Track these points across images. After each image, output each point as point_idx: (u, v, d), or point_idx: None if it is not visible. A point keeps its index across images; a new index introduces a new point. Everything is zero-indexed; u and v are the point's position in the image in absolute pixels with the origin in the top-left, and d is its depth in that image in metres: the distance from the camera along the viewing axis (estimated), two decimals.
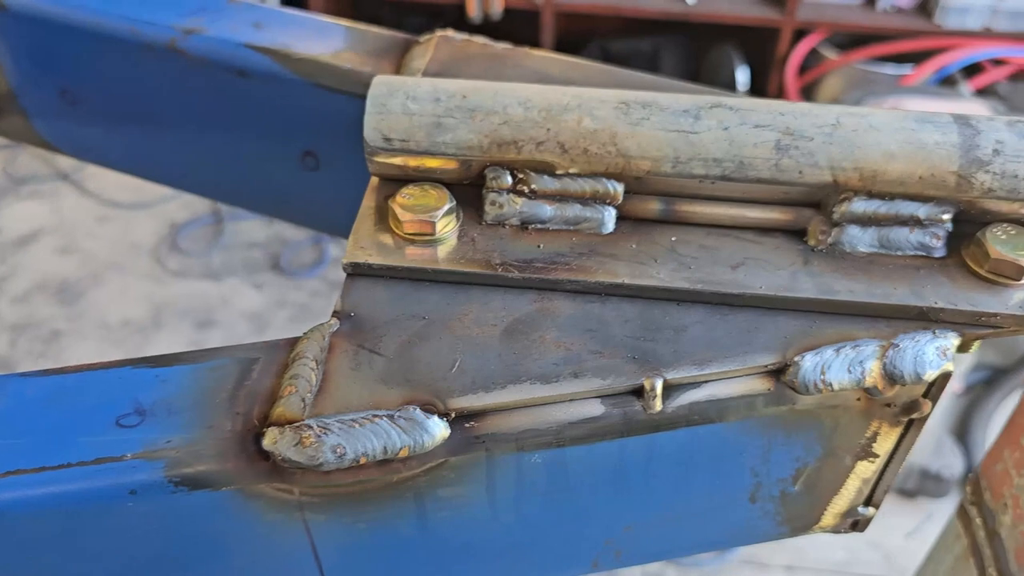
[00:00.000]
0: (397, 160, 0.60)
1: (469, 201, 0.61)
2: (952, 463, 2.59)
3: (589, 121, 0.57)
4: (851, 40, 3.18)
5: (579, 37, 3.64)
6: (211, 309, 3.22)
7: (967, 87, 2.63)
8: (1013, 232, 0.57)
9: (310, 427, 0.49)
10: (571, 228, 0.60)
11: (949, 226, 0.58)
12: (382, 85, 0.59)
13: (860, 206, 0.58)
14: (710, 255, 0.58)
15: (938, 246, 0.58)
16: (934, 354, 0.55)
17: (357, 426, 0.50)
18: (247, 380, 0.53)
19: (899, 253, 0.59)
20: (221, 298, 3.27)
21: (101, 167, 0.98)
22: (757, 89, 3.38)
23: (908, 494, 2.75)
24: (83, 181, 3.68)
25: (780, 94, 3.24)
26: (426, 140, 0.58)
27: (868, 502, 0.66)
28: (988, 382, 2.81)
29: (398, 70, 0.76)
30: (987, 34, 3.02)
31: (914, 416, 0.57)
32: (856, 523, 0.68)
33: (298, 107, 0.81)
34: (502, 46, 0.78)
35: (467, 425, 0.51)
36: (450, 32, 0.80)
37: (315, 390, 0.51)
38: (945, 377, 0.55)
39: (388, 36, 0.82)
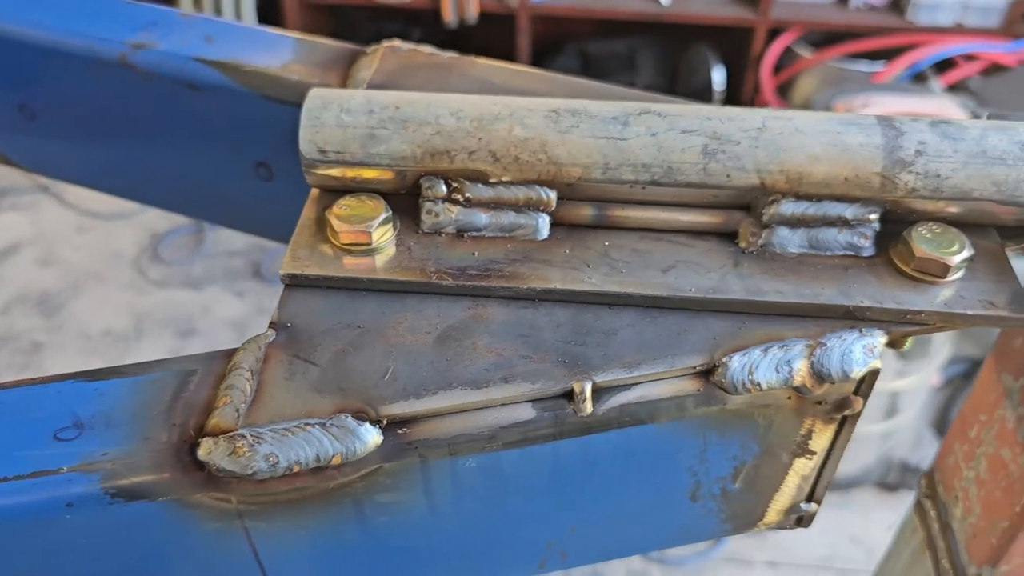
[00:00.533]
0: (334, 172, 0.60)
1: (407, 210, 0.62)
2: (932, 456, 2.60)
3: (520, 130, 0.58)
4: (825, 38, 3.20)
5: (556, 40, 3.65)
6: (192, 318, 3.22)
7: (938, 83, 2.65)
8: (938, 231, 0.59)
9: (243, 437, 0.50)
10: (506, 235, 0.61)
11: (876, 226, 0.60)
12: (317, 98, 0.60)
13: (788, 208, 0.59)
14: (642, 259, 0.59)
15: (866, 245, 0.60)
16: (861, 352, 0.56)
17: (290, 435, 0.50)
18: (184, 392, 0.54)
19: (828, 253, 0.60)
20: (202, 307, 3.27)
21: (60, 181, 0.99)
22: (733, 88, 3.40)
23: (889, 488, 2.76)
24: (63, 192, 3.67)
25: (756, 93, 3.26)
26: (360, 151, 0.59)
27: (810, 498, 0.67)
28: (967, 375, 2.83)
29: (345, 81, 0.77)
30: (959, 30, 3.05)
31: (847, 413, 0.59)
32: (800, 519, 0.69)
33: (249, 119, 0.82)
34: (448, 55, 0.79)
35: (399, 431, 0.52)
36: (396, 42, 0.81)
37: (249, 400, 0.52)
38: (873, 374, 0.57)
39: (336, 47, 0.83)
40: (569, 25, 3.65)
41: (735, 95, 3.41)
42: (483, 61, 0.78)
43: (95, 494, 0.50)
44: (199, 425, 0.52)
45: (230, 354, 0.56)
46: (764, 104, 3.20)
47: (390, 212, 0.60)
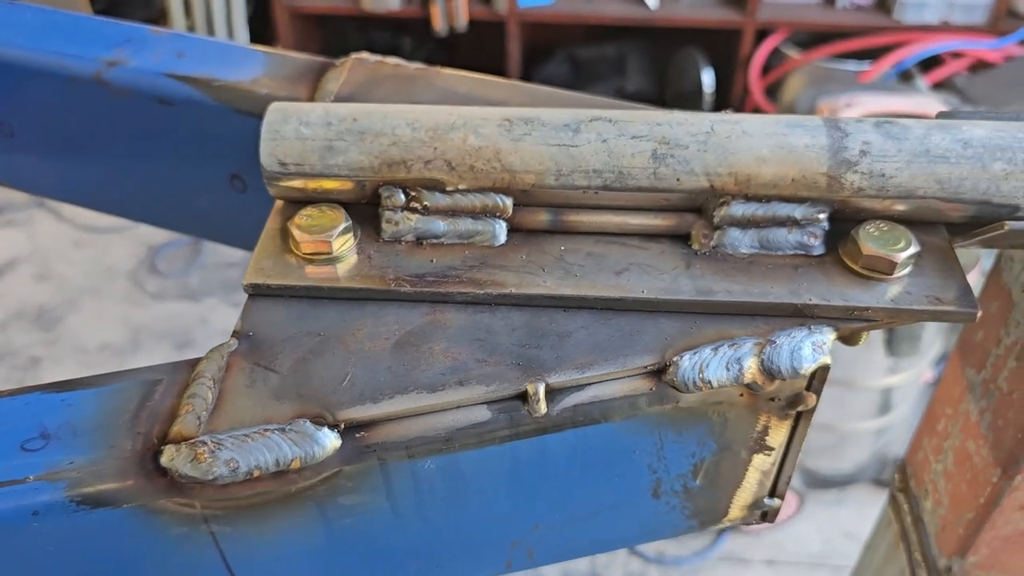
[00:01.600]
0: (295, 183, 0.62)
1: (368, 219, 0.63)
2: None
3: (474, 139, 0.60)
4: (813, 38, 3.22)
5: (545, 46, 3.67)
6: (190, 329, 3.24)
7: (923, 81, 2.67)
8: (886, 228, 0.60)
9: (204, 443, 0.52)
10: (464, 242, 0.62)
11: (826, 225, 0.61)
12: (276, 112, 0.62)
13: (738, 209, 0.60)
14: (596, 262, 0.60)
15: (816, 245, 0.61)
16: (810, 349, 0.57)
17: (249, 440, 0.52)
18: (150, 401, 0.56)
19: (779, 253, 0.61)
20: (200, 318, 3.29)
21: (39, 197, 1.00)
22: (723, 90, 3.41)
23: (884, 484, 2.77)
24: (59, 207, 3.70)
25: (745, 95, 3.28)
26: (319, 163, 0.61)
27: (772, 493, 0.68)
28: None
29: (313, 93, 0.79)
30: (945, 28, 3.06)
31: (800, 409, 0.60)
32: (765, 514, 0.70)
33: (221, 132, 0.83)
34: (414, 66, 0.81)
35: (358, 435, 0.53)
36: (364, 55, 0.83)
37: (211, 408, 0.54)
38: (824, 370, 0.58)
39: (306, 60, 0.84)
40: (558, 31, 3.67)
41: (724, 97, 3.43)
42: (447, 71, 0.79)
43: (60, 502, 0.51)
44: (162, 433, 0.53)
45: (194, 363, 0.57)
46: (754, 105, 3.21)
47: (350, 222, 0.62)
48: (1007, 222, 0.58)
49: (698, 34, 3.40)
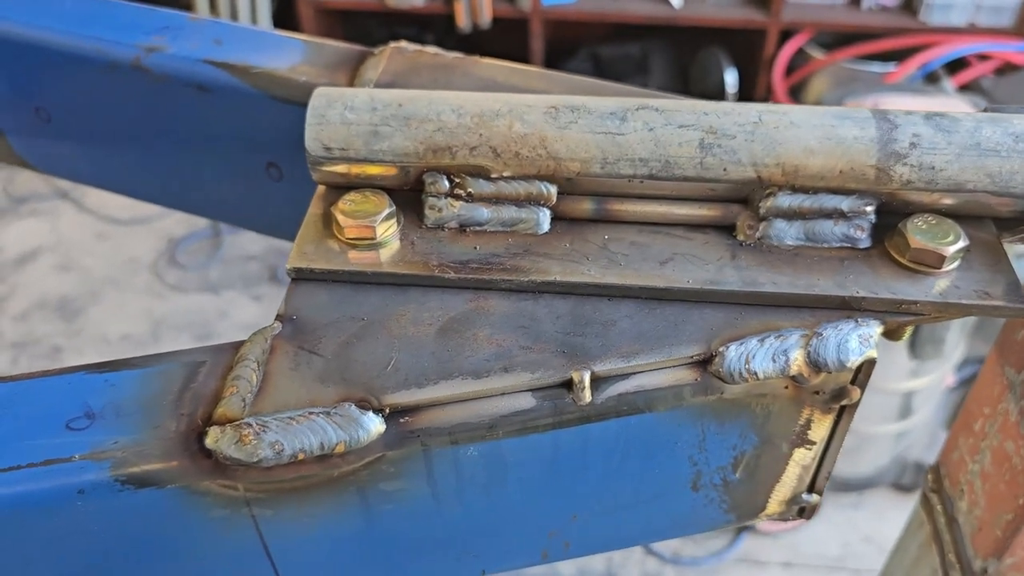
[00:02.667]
0: (339, 168, 0.62)
1: (411, 206, 0.63)
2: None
3: (519, 126, 0.59)
4: (837, 39, 3.20)
5: (568, 44, 3.67)
6: (209, 322, 3.25)
7: (949, 83, 2.64)
8: (934, 222, 0.59)
9: (249, 425, 0.52)
10: (508, 229, 0.62)
11: (872, 218, 0.60)
12: (321, 97, 0.62)
13: (785, 200, 0.60)
14: (640, 252, 0.60)
15: (862, 237, 0.60)
16: (857, 342, 0.56)
17: (294, 423, 0.52)
18: (193, 383, 0.56)
19: (825, 245, 0.61)
20: (219, 311, 3.30)
21: (76, 183, 1.01)
22: (746, 91, 3.40)
23: (904, 488, 2.75)
24: (82, 199, 3.72)
25: (768, 95, 3.26)
26: (364, 148, 0.60)
27: (811, 489, 0.67)
28: None
29: (352, 81, 0.79)
30: (971, 30, 3.04)
31: (844, 403, 0.59)
32: (803, 510, 0.70)
33: (259, 120, 0.83)
34: (453, 55, 0.81)
35: (402, 420, 0.53)
36: (403, 43, 0.82)
37: (255, 390, 0.54)
38: (870, 363, 0.57)
39: (344, 48, 0.84)
40: (581, 29, 3.66)
41: (747, 97, 3.41)
42: (486, 60, 0.79)
43: (106, 481, 0.51)
44: (207, 414, 0.53)
45: (238, 346, 0.57)
46: None
47: (394, 207, 0.61)
48: None
49: (722, 34, 3.39)
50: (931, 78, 2.68)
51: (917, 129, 0.59)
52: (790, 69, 3.19)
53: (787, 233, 0.60)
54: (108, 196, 3.65)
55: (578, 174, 0.60)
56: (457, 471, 0.56)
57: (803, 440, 0.62)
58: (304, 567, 0.61)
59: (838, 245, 0.61)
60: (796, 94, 3.15)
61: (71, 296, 3.33)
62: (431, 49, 0.82)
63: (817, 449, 0.63)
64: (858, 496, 2.76)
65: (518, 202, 0.61)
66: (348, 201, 0.61)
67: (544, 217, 0.62)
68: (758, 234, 0.61)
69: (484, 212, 0.61)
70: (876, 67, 2.89)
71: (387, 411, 0.53)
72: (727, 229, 0.62)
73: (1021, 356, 0.77)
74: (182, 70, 0.83)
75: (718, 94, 3.38)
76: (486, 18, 3.27)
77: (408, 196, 0.63)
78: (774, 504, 0.68)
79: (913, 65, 2.64)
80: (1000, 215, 0.61)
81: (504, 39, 3.51)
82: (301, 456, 0.52)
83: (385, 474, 0.55)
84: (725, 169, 0.59)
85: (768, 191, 0.60)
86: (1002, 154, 0.58)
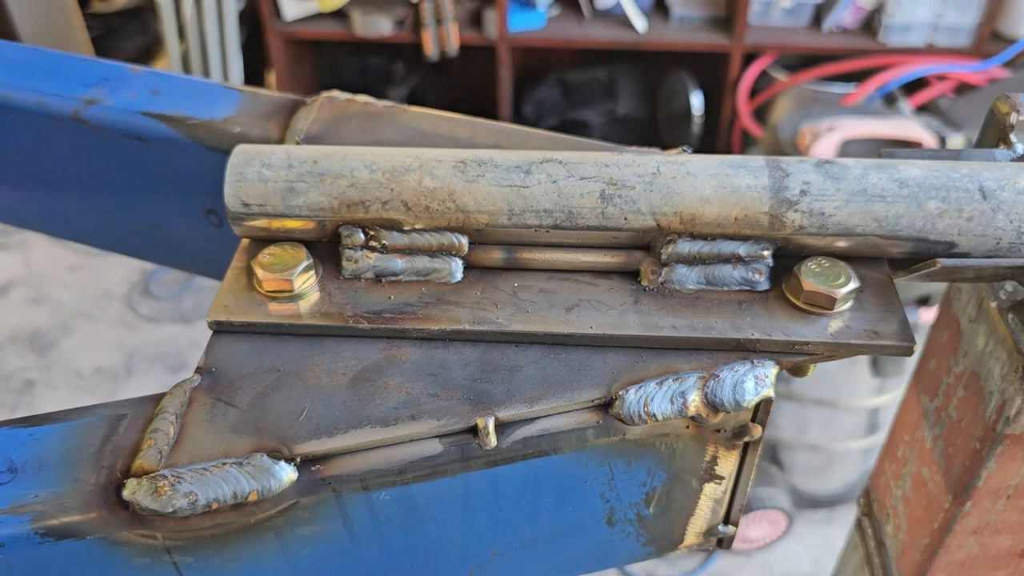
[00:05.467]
0: (258, 223, 0.64)
1: (331, 257, 0.66)
2: None
3: (429, 180, 0.62)
4: (800, 61, 3.26)
5: (536, 70, 3.71)
6: (183, 353, 3.25)
7: (907, 104, 2.70)
8: (827, 265, 0.62)
9: (165, 477, 0.54)
10: (422, 279, 0.64)
11: (770, 261, 0.63)
12: (240, 155, 0.64)
13: (684, 247, 0.62)
14: (547, 298, 0.63)
15: (761, 280, 0.63)
16: (752, 382, 0.59)
17: (208, 474, 0.54)
18: (114, 435, 0.58)
19: (725, 288, 0.63)
20: (192, 342, 3.30)
21: (21, 228, 1.02)
22: (712, 113, 3.45)
23: None
24: None
25: (734, 116, 3.31)
26: (281, 204, 0.63)
27: (727, 520, 0.70)
28: None
29: (284, 130, 0.81)
30: (930, 50, 3.10)
31: (747, 439, 0.62)
32: (721, 541, 0.72)
33: (196, 169, 0.86)
34: (382, 104, 0.83)
35: (313, 468, 0.55)
36: (335, 93, 0.85)
37: (172, 442, 0.56)
38: (768, 402, 0.60)
39: (277, 98, 0.87)
40: (549, 55, 3.71)
41: (714, 119, 3.46)
42: (414, 109, 0.82)
43: (25, 534, 0.53)
44: (125, 467, 0.55)
45: (158, 399, 0.59)
46: (742, 128, 3.25)
47: (311, 260, 0.64)
48: (940, 260, 0.60)
49: (687, 57, 3.44)
50: (889, 99, 2.73)
51: (807, 176, 0.62)
52: (755, 91, 3.24)
53: (688, 278, 0.63)
54: None
55: (487, 225, 0.62)
56: (372, 514, 0.59)
57: (712, 475, 0.65)
58: None
59: (737, 288, 0.63)
60: (760, 115, 3.20)
61: (43, 329, 3.33)
62: (361, 98, 0.85)
63: (727, 483, 0.66)
64: (829, 512, 2.78)
65: (431, 253, 0.64)
66: (267, 255, 0.64)
67: (456, 267, 0.64)
68: (660, 279, 0.63)
69: (398, 263, 0.64)
70: (838, 88, 2.95)
71: (298, 460, 0.55)
72: (632, 275, 0.64)
73: (934, 385, 0.80)
74: (120, 122, 0.85)
75: (685, 116, 3.43)
76: (453, 46, 3.31)
77: (328, 248, 0.66)
78: (691, 536, 0.70)
79: (871, 87, 2.69)
80: (892, 256, 0.64)
81: (472, 66, 3.55)
82: (215, 505, 0.54)
83: (301, 519, 0.57)
84: (626, 218, 0.62)
85: (668, 238, 0.62)
86: (887, 199, 0.61)
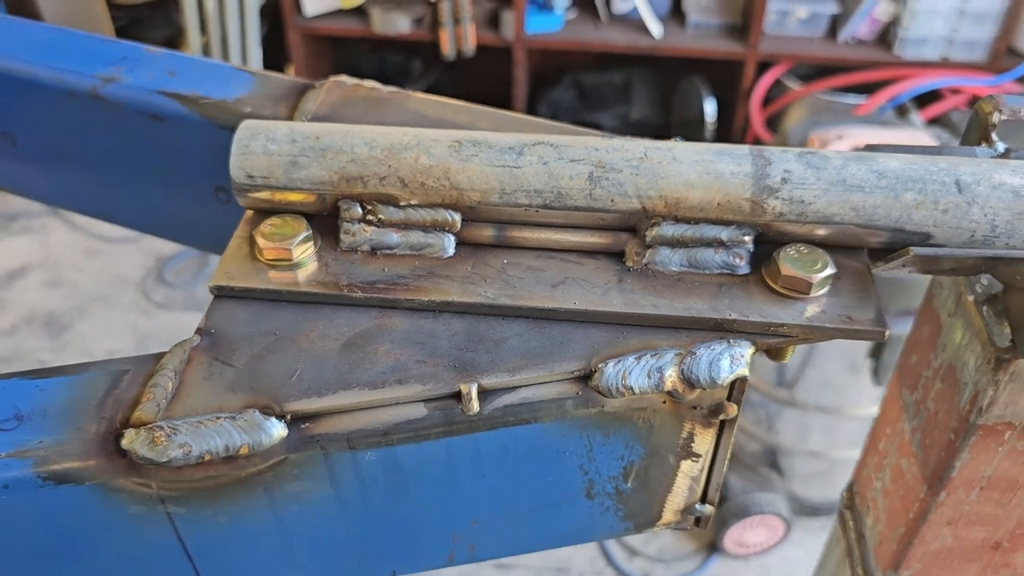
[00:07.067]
0: (261, 195, 0.67)
1: (330, 230, 0.68)
2: None
3: (425, 158, 0.65)
4: (815, 71, 3.27)
5: (552, 72, 3.74)
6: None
7: (918, 116, 2.71)
8: (805, 251, 0.65)
9: (161, 428, 0.56)
10: (416, 253, 0.67)
11: (750, 247, 0.65)
12: (246, 129, 0.67)
13: (668, 230, 0.65)
14: (535, 275, 0.65)
15: (741, 265, 0.65)
16: (728, 361, 0.61)
17: (202, 427, 0.57)
18: (116, 389, 0.61)
19: (706, 272, 0.66)
20: None
21: (39, 202, 1.06)
22: (725, 120, 3.47)
23: None
24: (73, 216, 3.78)
25: (747, 124, 3.33)
26: (284, 177, 0.66)
27: (704, 500, 0.72)
28: None
29: (293, 112, 0.84)
30: (944, 64, 3.11)
31: (723, 418, 0.64)
32: (699, 520, 0.74)
33: (207, 147, 0.89)
34: (388, 90, 0.86)
35: (303, 426, 0.58)
36: (343, 77, 0.88)
37: (170, 396, 0.59)
38: (743, 381, 0.62)
39: (288, 81, 0.90)
40: (565, 57, 3.74)
41: (727, 126, 3.48)
42: (419, 95, 0.85)
43: (28, 478, 0.56)
44: (125, 418, 0.58)
45: (160, 357, 0.62)
46: (754, 136, 3.26)
47: (310, 231, 0.67)
48: (912, 248, 0.62)
49: (702, 64, 3.46)
50: (900, 111, 2.75)
51: (789, 166, 0.64)
52: (768, 99, 3.26)
53: (671, 260, 0.66)
54: None
55: (479, 203, 0.65)
56: (358, 475, 0.61)
57: (689, 452, 0.67)
58: (221, 563, 0.65)
59: (719, 272, 0.66)
60: (773, 124, 3.22)
61: (59, 312, 3.38)
62: (368, 83, 0.87)
63: (704, 461, 0.68)
64: (828, 520, 2.79)
65: (425, 228, 0.66)
66: (269, 225, 0.67)
67: (449, 242, 0.67)
68: (644, 260, 0.66)
69: (394, 237, 0.67)
70: (852, 99, 2.96)
71: (289, 417, 0.58)
72: (617, 255, 0.67)
73: (914, 379, 0.82)
74: (136, 100, 0.88)
75: (698, 122, 3.45)
76: (470, 46, 3.34)
77: (327, 221, 0.69)
78: (669, 513, 0.73)
79: (883, 98, 2.71)
80: (871, 246, 0.66)
81: (488, 66, 3.58)
82: (208, 457, 0.57)
83: (290, 476, 0.60)
84: (612, 200, 0.64)
85: (653, 221, 0.65)
86: (866, 190, 0.63)
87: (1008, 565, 0.82)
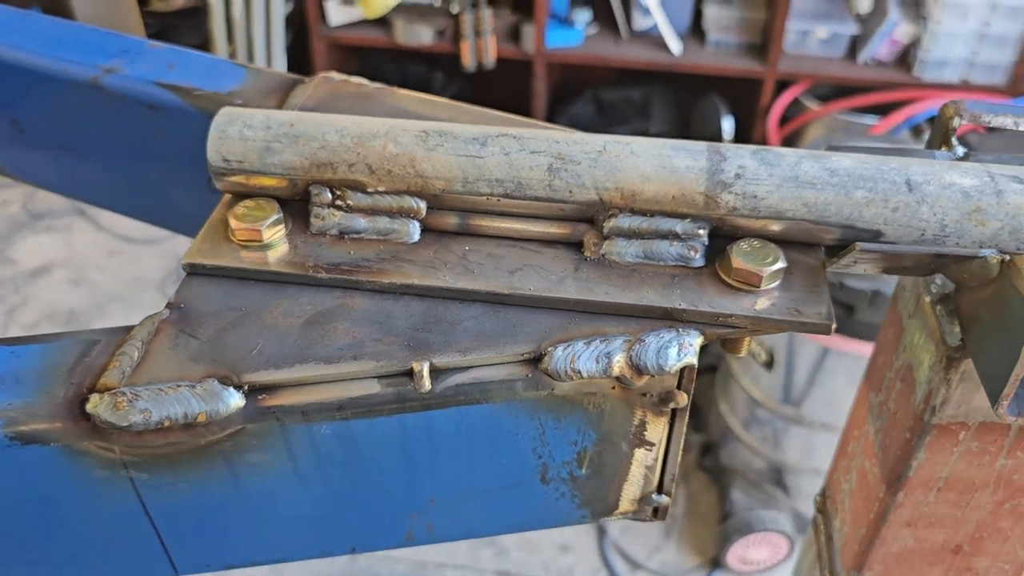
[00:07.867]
0: (237, 179, 0.70)
1: (301, 215, 0.71)
2: None
3: (392, 146, 0.67)
4: (834, 91, 3.28)
5: (572, 86, 3.77)
6: None
7: None
8: (758, 245, 0.66)
9: (124, 394, 0.59)
10: (382, 238, 0.69)
11: (705, 240, 0.67)
12: (224, 115, 0.70)
13: (624, 221, 0.67)
14: (494, 262, 0.67)
15: (696, 257, 0.67)
16: (676, 349, 0.63)
17: (163, 394, 0.59)
18: (87, 357, 0.63)
19: (661, 263, 0.67)
20: None
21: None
22: (742, 138, 3.48)
23: None
24: (97, 216, 3.85)
25: (764, 143, 3.34)
26: (258, 161, 0.68)
27: (660, 490, 0.74)
28: None
29: (281, 105, 0.87)
30: (964, 87, 3.10)
31: (673, 406, 0.66)
32: (656, 510, 0.76)
33: (200, 138, 0.91)
34: (374, 86, 0.89)
35: (260, 397, 0.61)
36: (332, 73, 0.91)
37: (135, 364, 0.61)
38: (691, 370, 0.64)
39: (280, 76, 0.93)
40: (585, 72, 3.77)
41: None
42: (402, 91, 0.87)
43: None
44: (91, 384, 0.61)
45: (130, 328, 0.65)
46: None
47: (281, 214, 0.69)
48: (859, 243, 0.63)
49: (721, 82, 3.48)
50: (916, 131, 2.74)
51: (743, 162, 0.66)
52: (786, 118, 3.27)
53: (627, 251, 0.67)
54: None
55: (443, 191, 0.67)
56: (315, 449, 0.63)
57: (641, 440, 0.69)
58: (184, 531, 0.68)
59: (673, 263, 0.67)
60: (791, 143, 3.22)
61: (79, 310, 3.44)
62: (355, 79, 0.90)
63: (657, 451, 0.70)
64: None
65: (391, 214, 0.69)
66: (242, 207, 0.69)
67: (414, 229, 0.69)
68: (602, 251, 0.68)
69: (361, 222, 0.69)
70: (870, 120, 2.96)
71: (246, 388, 0.60)
72: (576, 246, 0.69)
73: (878, 380, 0.83)
74: (134, 90, 0.92)
75: (716, 140, 3.45)
76: (491, 59, 3.38)
77: (299, 206, 0.71)
78: (626, 502, 0.74)
79: (899, 118, 2.71)
80: (826, 243, 0.68)
81: (508, 79, 3.62)
82: (167, 423, 0.59)
83: (248, 446, 0.62)
84: (571, 191, 0.66)
85: (610, 212, 0.67)
86: (817, 187, 0.65)
87: (970, 570, 0.83)
